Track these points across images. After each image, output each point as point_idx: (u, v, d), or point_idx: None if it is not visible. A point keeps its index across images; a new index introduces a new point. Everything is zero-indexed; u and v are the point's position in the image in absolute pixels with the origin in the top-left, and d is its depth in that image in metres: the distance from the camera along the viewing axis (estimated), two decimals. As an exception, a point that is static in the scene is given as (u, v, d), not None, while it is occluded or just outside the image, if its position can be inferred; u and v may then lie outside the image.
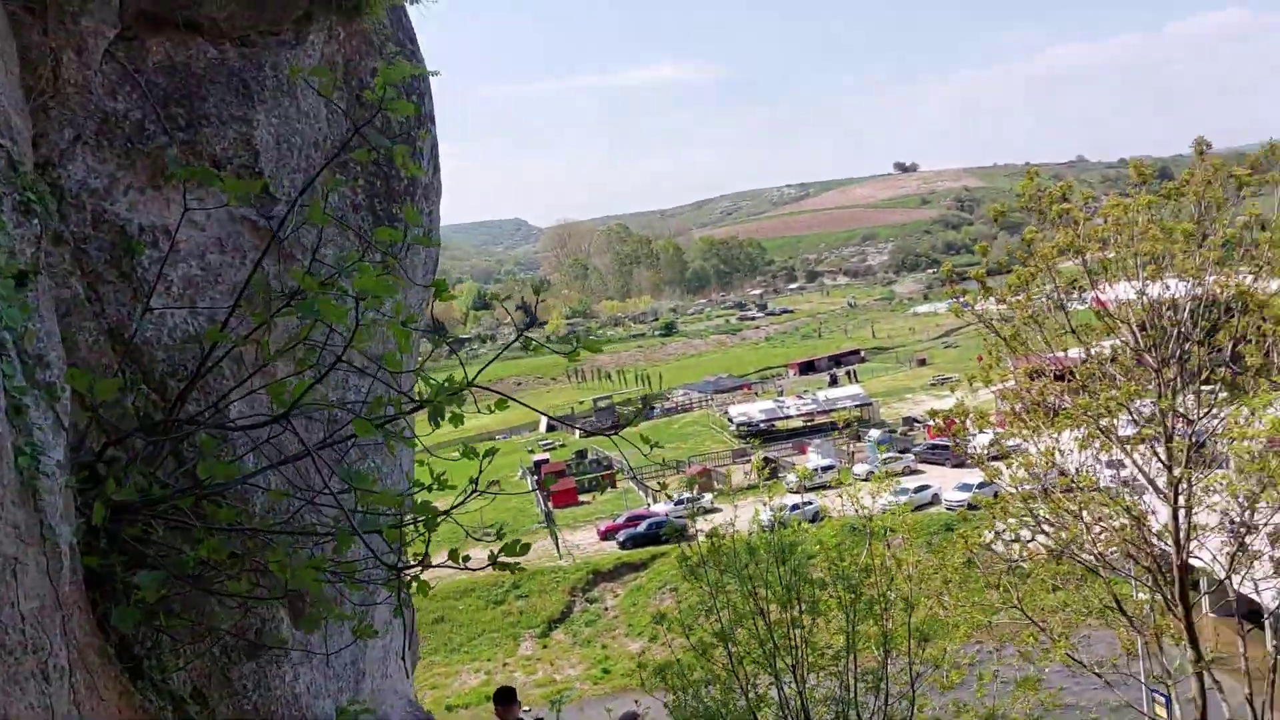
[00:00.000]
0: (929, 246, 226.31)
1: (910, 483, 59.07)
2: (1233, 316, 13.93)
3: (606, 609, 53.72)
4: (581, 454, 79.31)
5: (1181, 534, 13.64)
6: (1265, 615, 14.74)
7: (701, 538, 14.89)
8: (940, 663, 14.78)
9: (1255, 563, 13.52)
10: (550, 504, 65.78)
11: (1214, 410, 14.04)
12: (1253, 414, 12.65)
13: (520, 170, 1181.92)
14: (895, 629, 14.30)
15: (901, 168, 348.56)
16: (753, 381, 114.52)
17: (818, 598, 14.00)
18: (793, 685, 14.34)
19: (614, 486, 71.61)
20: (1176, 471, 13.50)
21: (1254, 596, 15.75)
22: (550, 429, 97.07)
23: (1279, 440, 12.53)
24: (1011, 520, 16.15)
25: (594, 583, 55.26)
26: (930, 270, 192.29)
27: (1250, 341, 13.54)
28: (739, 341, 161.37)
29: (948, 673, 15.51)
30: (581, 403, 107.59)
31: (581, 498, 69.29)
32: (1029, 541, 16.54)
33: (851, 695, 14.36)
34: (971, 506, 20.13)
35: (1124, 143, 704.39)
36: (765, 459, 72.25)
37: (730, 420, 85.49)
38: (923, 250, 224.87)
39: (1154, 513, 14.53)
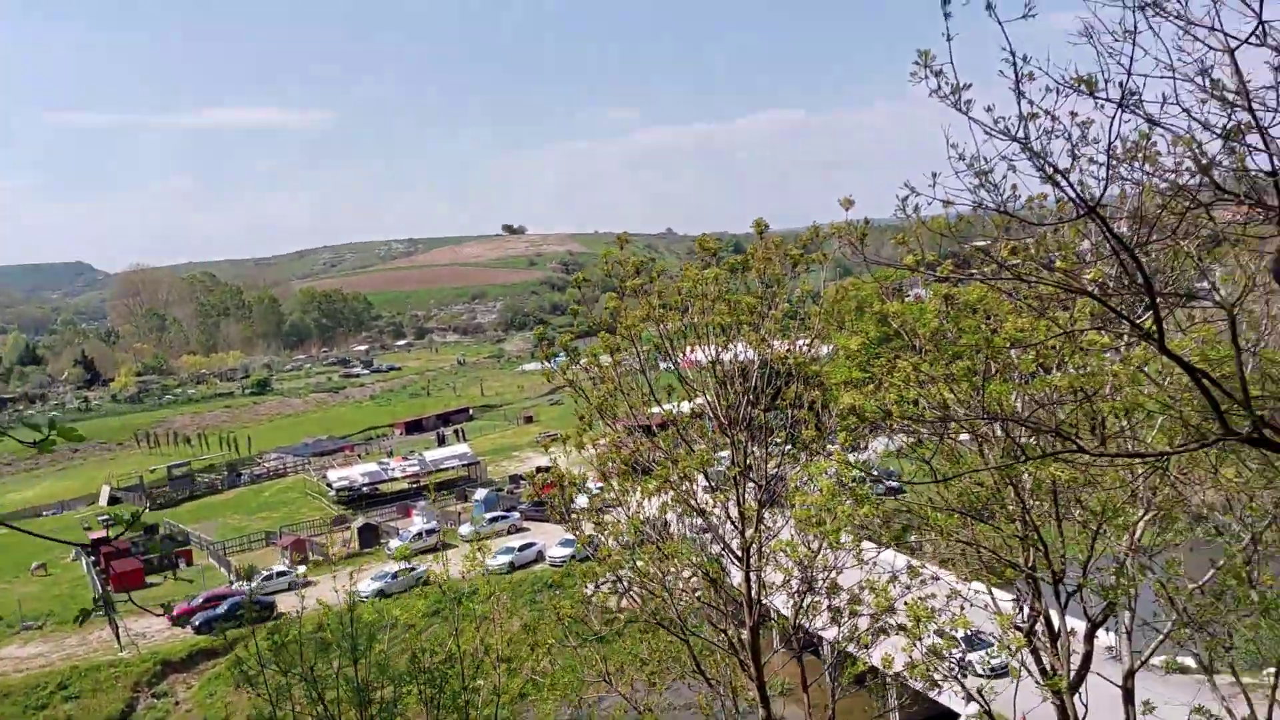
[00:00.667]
0: (536, 306, 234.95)
1: (516, 541, 59.44)
2: (791, 383, 15.08)
3: (178, 703, 47.42)
4: (152, 529, 70.16)
5: (754, 593, 14.31)
6: (825, 665, 15.90)
7: (262, 633, 12.98)
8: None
9: (816, 615, 14.56)
10: (110, 587, 57.07)
11: (780, 468, 15.02)
12: (810, 479, 13.68)
13: (84, 209, 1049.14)
14: (482, 720, 13.42)
15: (510, 229, 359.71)
16: (356, 443, 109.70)
17: (398, 695, 12.75)
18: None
19: (190, 564, 64.01)
20: (748, 534, 14.18)
21: (816, 633, 16.99)
22: (113, 501, 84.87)
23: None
24: (607, 579, 16.05)
25: (163, 674, 48.71)
26: (536, 329, 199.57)
27: (805, 407, 14.72)
28: (342, 400, 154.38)
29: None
30: (153, 470, 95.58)
31: (150, 579, 60.94)
32: (623, 595, 16.55)
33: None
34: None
35: (707, 218, 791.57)
36: (366, 526, 68.86)
37: (330, 485, 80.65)
38: (530, 310, 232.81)
39: (730, 574, 15.15)
